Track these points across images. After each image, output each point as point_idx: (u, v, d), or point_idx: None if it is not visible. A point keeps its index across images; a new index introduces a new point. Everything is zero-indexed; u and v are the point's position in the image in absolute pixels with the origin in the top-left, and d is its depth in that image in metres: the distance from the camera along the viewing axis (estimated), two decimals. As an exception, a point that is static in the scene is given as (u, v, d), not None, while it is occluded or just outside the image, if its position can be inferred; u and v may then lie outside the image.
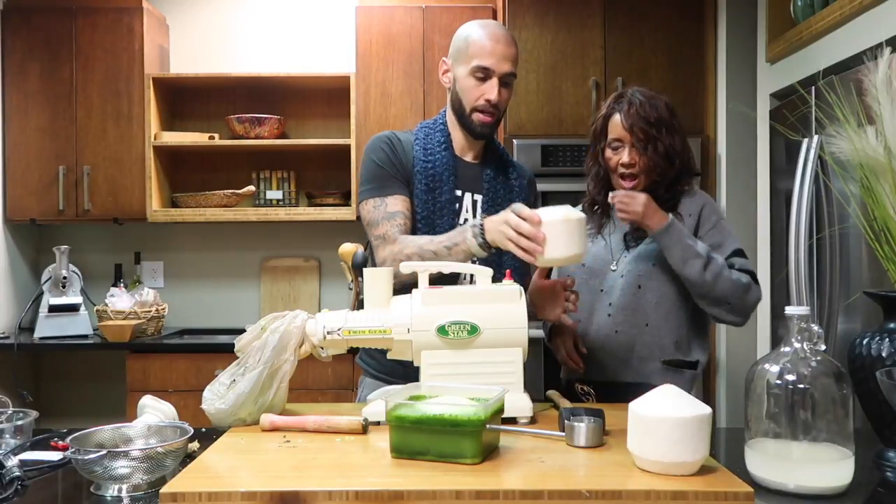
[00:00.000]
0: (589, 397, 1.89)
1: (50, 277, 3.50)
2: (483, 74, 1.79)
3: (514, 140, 3.34)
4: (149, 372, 3.31)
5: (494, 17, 3.46)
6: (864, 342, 1.35)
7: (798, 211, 2.53)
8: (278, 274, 3.90)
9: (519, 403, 1.49)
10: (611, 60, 3.40)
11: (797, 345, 1.21)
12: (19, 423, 1.46)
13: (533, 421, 1.51)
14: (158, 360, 3.32)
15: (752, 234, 3.27)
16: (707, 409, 1.20)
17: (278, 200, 3.73)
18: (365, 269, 1.56)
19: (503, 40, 1.79)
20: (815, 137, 2.50)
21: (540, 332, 2.01)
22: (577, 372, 1.90)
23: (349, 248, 1.71)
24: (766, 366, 1.22)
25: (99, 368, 3.79)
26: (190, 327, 3.83)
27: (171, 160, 3.77)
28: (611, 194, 1.84)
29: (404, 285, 1.61)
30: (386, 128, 2.56)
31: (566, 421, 1.36)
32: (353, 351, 1.71)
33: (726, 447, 1.50)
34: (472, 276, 1.72)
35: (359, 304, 1.61)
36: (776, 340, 2.99)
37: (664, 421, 1.18)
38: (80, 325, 3.52)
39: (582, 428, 1.34)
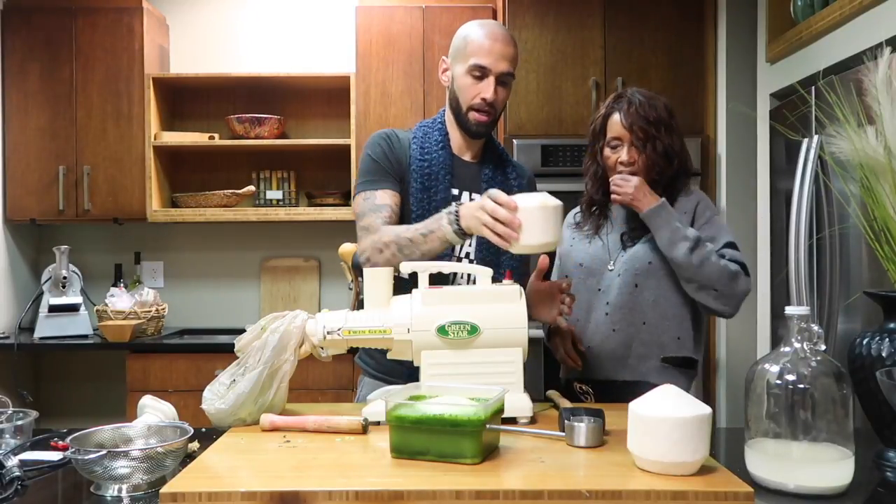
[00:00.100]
0: (587, 396, 1.89)
1: (50, 277, 3.50)
2: (480, 73, 1.78)
3: (513, 140, 3.33)
4: (149, 372, 3.31)
5: (494, 17, 3.46)
6: (864, 342, 1.35)
7: (798, 211, 2.53)
8: (278, 274, 3.90)
9: (519, 403, 1.49)
10: (611, 60, 3.40)
11: (797, 345, 1.21)
12: (19, 423, 1.46)
13: (533, 421, 1.51)
14: (158, 360, 3.32)
15: (752, 234, 3.27)
16: (707, 409, 1.20)
17: (278, 200, 3.73)
18: (365, 269, 1.56)
19: (501, 39, 1.79)
20: (815, 137, 2.50)
21: (540, 332, 2.01)
22: (576, 371, 1.90)
23: (349, 248, 1.71)
24: (766, 366, 1.22)
25: (99, 368, 3.79)
26: (190, 327, 3.83)
27: (171, 160, 3.77)
28: (610, 179, 1.86)
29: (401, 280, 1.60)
30: (386, 128, 2.56)
31: (566, 421, 1.36)
32: (352, 351, 1.71)
33: (726, 447, 1.50)
34: (472, 276, 1.72)
35: (359, 304, 1.61)
36: (776, 340, 2.99)
37: (664, 421, 1.18)
38: (80, 325, 3.52)
39: (582, 428, 1.34)
